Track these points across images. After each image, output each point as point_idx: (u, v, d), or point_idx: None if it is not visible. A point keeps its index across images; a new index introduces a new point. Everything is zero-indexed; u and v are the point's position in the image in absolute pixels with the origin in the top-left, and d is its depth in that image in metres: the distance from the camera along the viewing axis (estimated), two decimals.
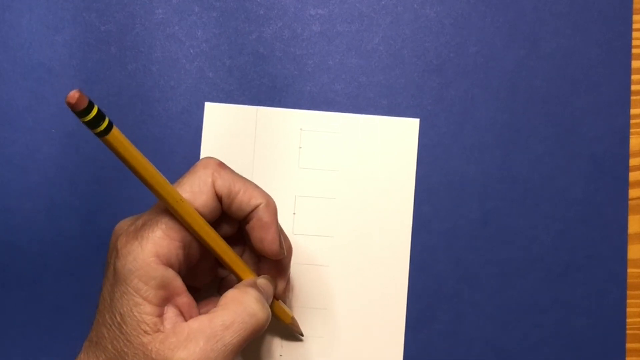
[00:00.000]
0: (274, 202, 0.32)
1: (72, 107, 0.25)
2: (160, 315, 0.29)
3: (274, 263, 0.34)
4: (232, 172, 0.32)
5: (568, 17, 0.41)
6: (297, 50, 0.41)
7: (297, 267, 0.39)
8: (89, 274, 0.39)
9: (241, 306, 0.30)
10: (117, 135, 0.27)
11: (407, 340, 0.39)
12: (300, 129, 0.40)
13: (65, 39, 0.40)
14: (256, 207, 0.32)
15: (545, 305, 0.40)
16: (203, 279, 0.34)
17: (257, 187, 0.32)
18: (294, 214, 0.40)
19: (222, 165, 0.32)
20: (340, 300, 0.39)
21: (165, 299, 0.29)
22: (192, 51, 0.41)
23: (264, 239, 0.32)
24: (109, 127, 0.26)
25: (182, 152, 0.40)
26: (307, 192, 0.40)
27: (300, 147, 0.40)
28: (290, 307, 0.39)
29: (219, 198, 0.31)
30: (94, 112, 0.25)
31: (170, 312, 0.29)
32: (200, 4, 0.41)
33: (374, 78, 0.41)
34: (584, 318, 0.39)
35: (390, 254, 0.40)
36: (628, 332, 0.39)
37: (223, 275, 0.35)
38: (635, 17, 0.41)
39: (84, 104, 0.25)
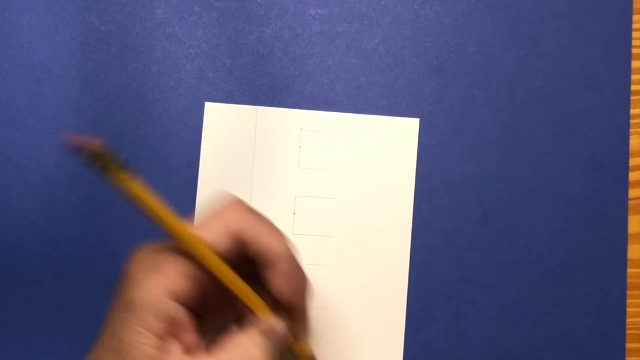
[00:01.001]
0: (294, 252, 0.32)
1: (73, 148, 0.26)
2: (162, 349, 0.29)
3: (292, 306, 0.34)
4: (258, 216, 0.32)
5: (568, 17, 0.41)
6: (297, 50, 0.41)
7: None
8: (89, 274, 0.39)
9: (245, 353, 0.30)
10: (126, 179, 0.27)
11: (407, 340, 0.39)
12: (300, 129, 0.40)
13: (65, 39, 0.40)
14: (276, 254, 0.32)
15: (545, 305, 0.39)
16: (224, 312, 0.34)
17: (280, 234, 0.32)
18: (294, 214, 0.40)
19: (248, 209, 0.32)
20: (340, 300, 0.39)
21: (169, 333, 0.29)
22: (192, 51, 0.41)
23: (278, 285, 0.32)
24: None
25: (182, 152, 0.40)
26: (307, 192, 0.40)
27: (300, 147, 0.40)
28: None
29: (239, 241, 0.31)
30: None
31: (174, 349, 0.29)
32: (200, 4, 0.41)
33: (374, 78, 0.41)
34: (584, 318, 0.39)
35: (390, 254, 0.40)
36: (628, 332, 0.39)
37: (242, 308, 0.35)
38: (635, 17, 0.41)
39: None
